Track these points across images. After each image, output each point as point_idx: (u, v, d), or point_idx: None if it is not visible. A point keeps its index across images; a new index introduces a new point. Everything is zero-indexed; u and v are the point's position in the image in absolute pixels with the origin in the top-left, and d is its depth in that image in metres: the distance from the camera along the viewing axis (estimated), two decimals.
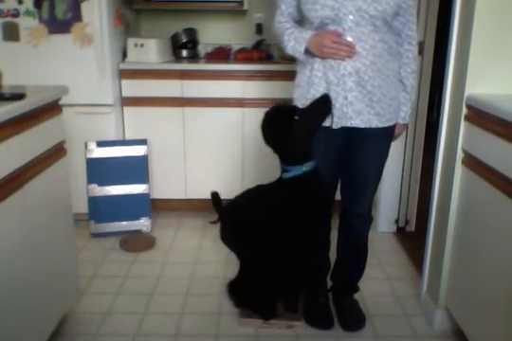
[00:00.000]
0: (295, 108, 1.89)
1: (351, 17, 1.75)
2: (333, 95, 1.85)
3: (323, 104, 1.85)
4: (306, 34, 1.84)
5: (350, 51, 1.77)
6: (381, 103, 1.87)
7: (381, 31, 1.80)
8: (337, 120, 1.88)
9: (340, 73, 1.82)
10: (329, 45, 1.77)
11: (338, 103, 1.85)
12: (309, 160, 1.89)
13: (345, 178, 2.05)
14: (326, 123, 1.89)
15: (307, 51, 1.85)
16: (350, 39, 1.78)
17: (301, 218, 1.93)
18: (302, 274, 2.14)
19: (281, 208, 1.93)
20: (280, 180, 1.96)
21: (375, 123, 1.89)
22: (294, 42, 1.87)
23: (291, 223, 1.93)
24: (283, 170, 1.93)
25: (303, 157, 1.89)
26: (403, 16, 1.84)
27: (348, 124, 1.88)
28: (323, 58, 1.82)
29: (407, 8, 1.83)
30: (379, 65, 1.82)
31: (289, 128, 1.84)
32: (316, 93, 1.88)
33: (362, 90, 1.83)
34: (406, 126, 2.08)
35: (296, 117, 1.84)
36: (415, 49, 1.93)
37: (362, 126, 1.89)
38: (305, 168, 1.89)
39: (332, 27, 1.79)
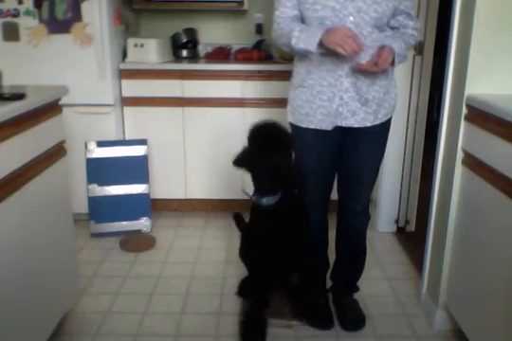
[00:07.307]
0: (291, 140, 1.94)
1: (351, 18, 1.75)
2: (329, 96, 1.85)
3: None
4: (319, 30, 1.73)
5: (355, 50, 1.66)
6: (376, 101, 1.88)
7: (378, 32, 1.81)
8: (333, 120, 1.89)
9: (337, 74, 1.82)
10: (342, 38, 1.66)
11: (334, 104, 1.86)
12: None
13: (341, 176, 2.05)
14: (323, 126, 1.90)
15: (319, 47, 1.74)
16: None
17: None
18: (297, 262, 2.13)
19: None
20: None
21: (371, 122, 1.90)
22: (306, 34, 1.75)
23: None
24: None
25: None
26: (400, 16, 1.86)
27: (342, 124, 1.89)
28: (322, 58, 1.80)
29: (404, 9, 1.85)
30: None
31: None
32: (310, 96, 1.89)
33: (358, 90, 1.84)
34: (393, 55, 1.78)
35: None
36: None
37: (356, 126, 1.89)
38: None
39: None
